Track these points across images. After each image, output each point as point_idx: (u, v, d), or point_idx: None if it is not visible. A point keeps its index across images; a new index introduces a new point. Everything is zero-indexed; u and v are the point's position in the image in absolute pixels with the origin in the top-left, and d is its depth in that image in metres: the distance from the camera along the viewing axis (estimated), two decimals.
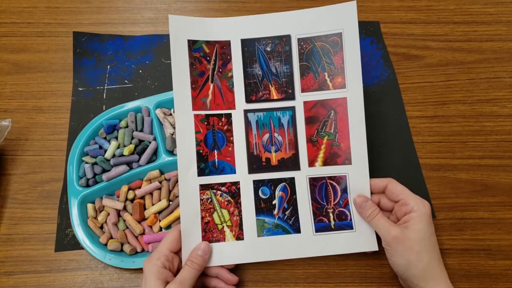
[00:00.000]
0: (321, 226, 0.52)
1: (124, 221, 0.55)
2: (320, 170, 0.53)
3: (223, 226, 0.52)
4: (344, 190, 0.53)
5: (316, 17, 0.54)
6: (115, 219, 0.55)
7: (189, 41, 0.54)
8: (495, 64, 0.68)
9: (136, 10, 0.72)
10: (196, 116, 0.54)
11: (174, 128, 0.58)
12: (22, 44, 0.68)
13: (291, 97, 0.54)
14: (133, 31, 0.70)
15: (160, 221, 0.55)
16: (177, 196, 0.55)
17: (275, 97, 0.54)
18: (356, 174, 0.53)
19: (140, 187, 0.57)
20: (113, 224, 0.55)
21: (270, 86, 0.55)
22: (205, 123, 0.54)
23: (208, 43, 0.55)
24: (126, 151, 0.56)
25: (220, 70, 0.55)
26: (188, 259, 0.48)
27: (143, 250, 0.54)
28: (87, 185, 0.56)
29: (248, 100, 0.54)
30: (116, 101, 0.64)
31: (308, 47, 0.54)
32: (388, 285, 0.54)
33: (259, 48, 0.55)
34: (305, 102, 0.54)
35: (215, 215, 0.52)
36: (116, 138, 0.59)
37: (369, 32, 0.70)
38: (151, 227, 0.55)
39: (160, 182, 0.56)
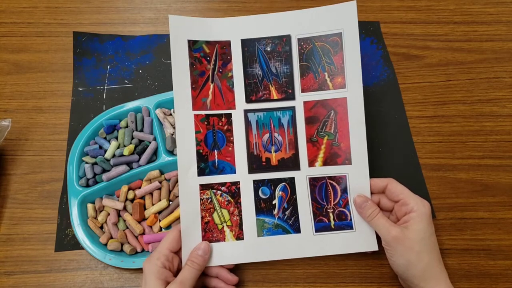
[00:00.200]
0: (321, 226, 0.52)
1: (124, 221, 0.55)
2: (320, 170, 0.53)
3: (223, 226, 0.52)
4: (344, 190, 0.53)
5: (316, 17, 0.54)
6: (115, 219, 0.55)
7: (189, 41, 0.54)
8: (495, 64, 0.68)
9: (136, 10, 0.72)
10: (196, 116, 0.54)
11: (174, 128, 0.59)
12: (22, 44, 0.68)
13: (291, 97, 0.54)
14: (133, 31, 0.70)
15: (160, 221, 0.55)
16: (177, 196, 0.55)
17: (275, 97, 0.54)
18: (356, 174, 0.53)
19: (140, 187, 0.57)
20: (113, 224, 0.55)
21: (270, 86, 0.55)
22: (205, 123, 0.54)
23: (208, 43, 0.55)
24: (126, 151, 0.56)
25: (220, 70, 0.55)
26: (188, 259, 0.48)
27: (143, 250, 0.54)
28: (87, 185, 0.56)
29: (248, 100, 0.54)
30: (116, 101, 0.64)
31: (308, 47, 0.54)
32: (388, 285, 0.54)
33: (259, 48, 0.55)
34: (305, 102, 0.54)
35: (215, 215, 0.52)
36: (116, 138, 0.59)
37: (369, 32, 0.70)
38: (151, 227, 0.55)
39: (160, 182, 0.56)
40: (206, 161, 0.53)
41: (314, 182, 0.53)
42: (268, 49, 0.55)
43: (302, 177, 0.53)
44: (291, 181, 0.53)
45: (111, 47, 0.68)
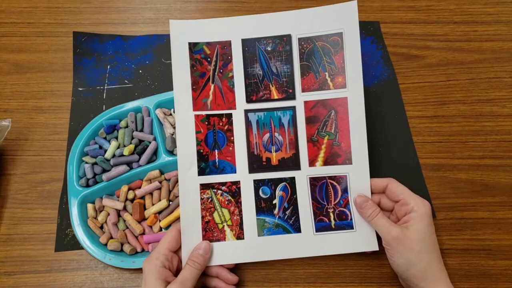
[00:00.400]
0: (321, 226, 0.52)
1: (124, 221, 0.55)
2: (321, 170, 0.53)
3: (224, 226, 0.52)
4: (345, 190, 0.53)
5: (316, 16, 0.54)
6: (115, 219, 0.54)
7: (189, 43, 0.54)
8: (495, 64, 0.68)
9: (136, 10, 0.72)
10: (196, 116, 0.54)
11: (174, 128, 0.58)
12: (22, 44, 0.68)
13: (292, 97, 0.54)
14: (133, 31, 0.70)
15: (160, 221, 0.55)
16: (177, 196, 0.55)
17: (276, 97, 0.54)
18: (357, 174, 0.53)
19: (140, 187, 0.56)
20: (113, 224, 0.55)
21: (270, 86, 0.55)
22: (206, 123, 0.54)
23: (209, 44, 0.55)
24: (126, 151, 0.56)
25: (221, 70, 0.55)
26: (189, 258, 0.48)
27: (143, 250, 0.54)
28: (87, 185, 0.56)
29: (249, 100, 0.54)
30: (116, 101, 0.64)
31: (309, 46, 0.54)
32: (388, 285, 0.54)
33: (259, 48, 0.55)
34: (305, 102, 0.54)
35: (215, 215, 0.52)
36: (116, 138, 0.59)
37: (369, 32, 0.70)
38: (151, 227, 0.55)
39: (160, 182, 0.56)
40: (207, 161, 0.53)
41: (314, 182, 0.53)
42: (269, 49, 0.55)
43: (302, 177, 0.53)
44: (291, 181, 0.53)
45: (111, 47, 0.68)
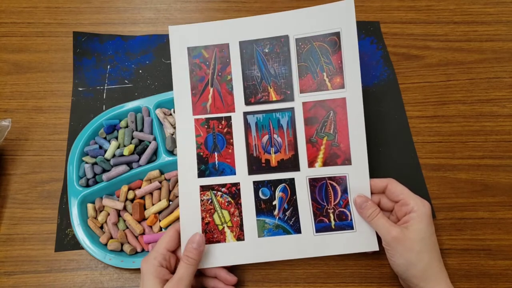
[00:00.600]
0: (321, 227, 0.52)
1: (124, 221, 0.55)
2: (320, 171, 0.53)
3: (224, 227, 0.52)
4: (344, 191, 0.53)
5: (313, 16, 0.54)
6: (115, 219, 0.55)
7: (188, 48, 0.54)
8: (495, 64, 0.68)
9: (136, 10, 0.72)
10: (196, 120, 0.54)
11: (174, 128, 0.59)
12: (22, 44, 0.68)
13: (290, 98, 0.54)
14: (133, 31, 0.70)
15: (160, 221, 0.55)
16: (177, 196, 0.55)
17: (274, 99, 0.54)
18: (356, 174, 0.53)
19: (140, 187, 0.57)
20: (113, 224, 0.55)
21: (268, 87, 0.54)
22: (205, 126, 0.54)
23: (207, 48, 0.55)
24: (126, 151, 0.56)
25: (220, 73, 0.55)
26: (183, 254, 0.47)
27: (143, 250, 0.54)
28: (87, 185, 0.56)
29: (247, 102, 0.54)
30: (116, 101, 0.64)
31: (306, 47, 0.54)
32: (388, 285, 0.54)
33: (257, 50, 0.55)
34: (304, 103, 0.54)
35: (215, 216, 0.52)
36: (116, 138, 0.59)
37: (369, 32, 0.70)
38: (151, 227, 0.55)
39: (160, 182, 0.56)
40: (206, 163, 0.53)
41: (314, 183, 0.53)
42: (266, 51, 0.55)
43: (302, 178, 0.53)
44: (291, 182, 0.53)
45: (111, 47, 0.68)
